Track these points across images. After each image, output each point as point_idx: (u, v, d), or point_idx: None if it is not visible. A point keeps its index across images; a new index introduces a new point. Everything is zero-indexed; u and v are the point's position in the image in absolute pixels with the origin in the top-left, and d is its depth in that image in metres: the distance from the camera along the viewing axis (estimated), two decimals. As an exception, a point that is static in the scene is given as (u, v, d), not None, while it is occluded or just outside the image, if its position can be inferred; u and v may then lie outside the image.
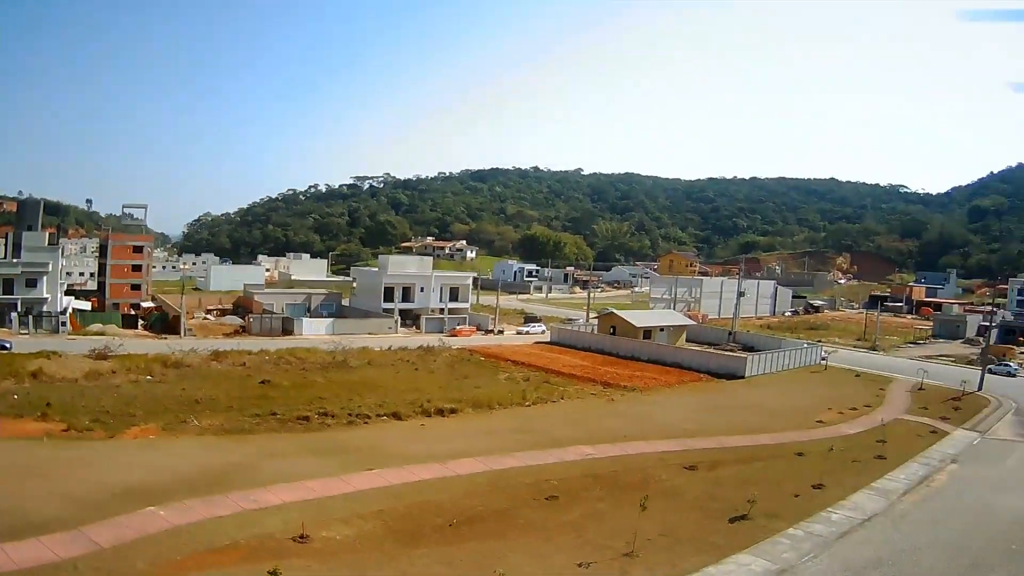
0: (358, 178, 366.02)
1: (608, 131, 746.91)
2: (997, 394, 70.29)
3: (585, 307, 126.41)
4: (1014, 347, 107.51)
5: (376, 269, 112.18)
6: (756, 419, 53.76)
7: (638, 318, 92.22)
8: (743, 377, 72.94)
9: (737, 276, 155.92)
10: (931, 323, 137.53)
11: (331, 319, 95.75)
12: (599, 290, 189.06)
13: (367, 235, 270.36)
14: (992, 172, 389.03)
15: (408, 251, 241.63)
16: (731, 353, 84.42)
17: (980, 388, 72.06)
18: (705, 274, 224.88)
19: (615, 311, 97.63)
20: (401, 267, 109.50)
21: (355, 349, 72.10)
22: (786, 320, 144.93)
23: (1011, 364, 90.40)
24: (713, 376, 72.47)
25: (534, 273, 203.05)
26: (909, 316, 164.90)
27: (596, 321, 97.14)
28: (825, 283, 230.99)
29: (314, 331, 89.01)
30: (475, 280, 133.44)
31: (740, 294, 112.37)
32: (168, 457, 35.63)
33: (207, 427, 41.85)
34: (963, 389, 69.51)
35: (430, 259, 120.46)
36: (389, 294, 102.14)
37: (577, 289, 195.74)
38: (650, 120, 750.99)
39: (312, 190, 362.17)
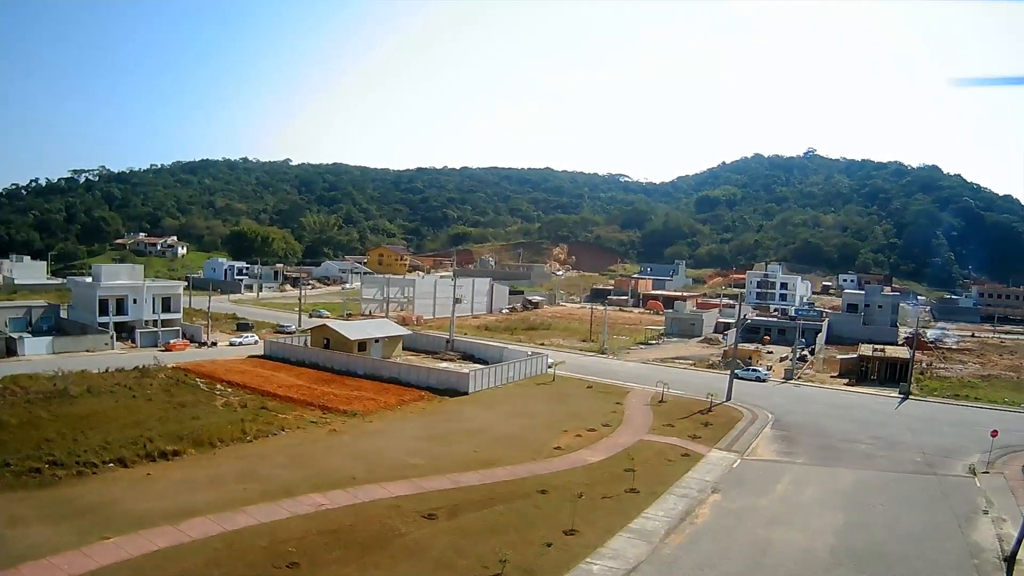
0: (76, 171, 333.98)
1: (317, 121, 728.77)
2: (748, 404, 66.96)
3: (297, 308, 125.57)
4: (760, 347, 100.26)
5: (90, 280, 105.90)
6: (489, 448, 51.05)
7: (351, 329, 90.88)
8: (467, 393, 69.76)
9: (451, 271, 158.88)
10: (661, 318, 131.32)
11: (51, 337, 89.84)
12: (310, 287, 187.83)
13: (83, 232, 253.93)
14: (724, 162, 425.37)
15: (122, 248, 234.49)
16: (451, 364, 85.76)
17: (729, 397, 68.04)
18: (416, 267, 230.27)
19: (327, 323, 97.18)
20: (114, 277, 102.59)
21: (75, 373, 68.79)
22: (504, 319, 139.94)
23: (759, 368, 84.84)
24: (435, 393, 69.15)
25: (244, 271, 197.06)
26: (636, 310, 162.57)
27: (309, 333, 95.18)
28: (542, 275, 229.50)
29: (36, 351, 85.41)
30: (187, 279, 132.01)
31: (456, 301, 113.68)
32: None
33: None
34: (711, 400, 65.46)
35: (141, 267, 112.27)
36: (104, 306, 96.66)
37: (288, 287, 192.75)
38: (362, 109, 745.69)
39: (34, 184, 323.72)
